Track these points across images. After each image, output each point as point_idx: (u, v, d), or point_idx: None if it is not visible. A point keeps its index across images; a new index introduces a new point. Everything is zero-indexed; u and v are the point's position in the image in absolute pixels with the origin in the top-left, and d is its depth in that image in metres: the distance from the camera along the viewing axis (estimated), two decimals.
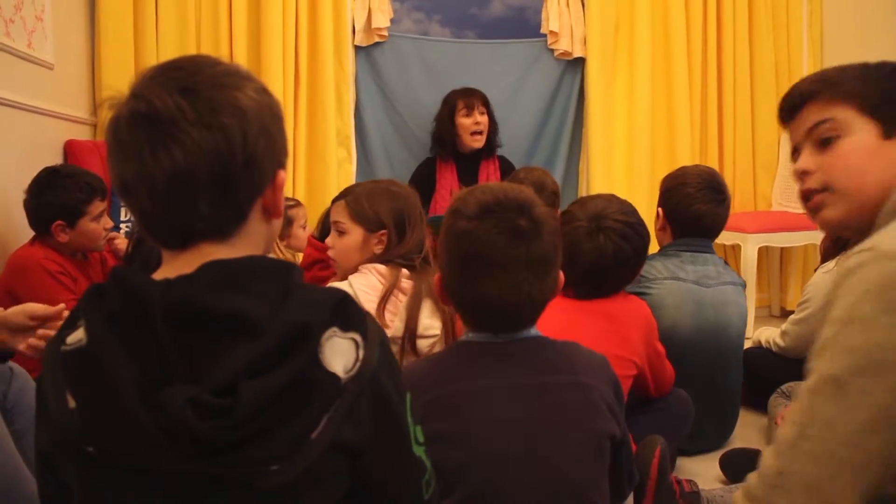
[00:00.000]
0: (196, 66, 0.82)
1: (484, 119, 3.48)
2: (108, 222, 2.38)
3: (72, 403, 0.74)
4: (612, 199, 1.92)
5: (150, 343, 0.74)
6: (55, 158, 2.76)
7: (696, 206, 2.17)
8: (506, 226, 1.14)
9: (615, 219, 1.82)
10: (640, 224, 1.88)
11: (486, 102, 3.51)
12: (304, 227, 2.93)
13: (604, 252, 1.78)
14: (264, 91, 0.85)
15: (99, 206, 2.29)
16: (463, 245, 1.16)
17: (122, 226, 2.91)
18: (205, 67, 0.82)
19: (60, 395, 0.75)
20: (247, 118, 0.80)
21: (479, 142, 3.48)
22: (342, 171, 3.58)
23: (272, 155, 0.84)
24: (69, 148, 2.86)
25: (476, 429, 1.12)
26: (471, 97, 3.48)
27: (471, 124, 3.46)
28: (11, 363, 1.51)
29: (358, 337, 0.80)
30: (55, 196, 2.21)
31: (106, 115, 0.82)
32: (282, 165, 0.87)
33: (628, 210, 1.89)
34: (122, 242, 2.54)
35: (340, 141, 3.62)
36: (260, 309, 0.76)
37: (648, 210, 2.30)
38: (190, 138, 0.77)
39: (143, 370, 0.72)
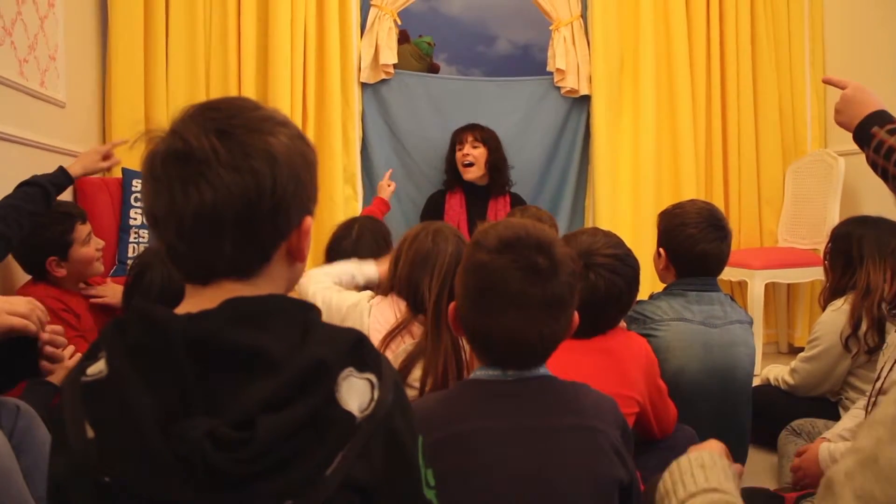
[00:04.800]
0: (235, 109, 0.84)
1: (474, 151, 3.54)
2: (98, 242, 2.36)
3: (90, 433, 0.75)
4: (596, 232, 1.88)
5: (171, 375, 0.75)
6: (65, 195, 2.77)
7: (699, 246, 2.13)
8: (524, 262, 1.14)
9: (604, 254, 1.79)
10: (629, 255, 1.85)
11: (482, 136, 3.56)
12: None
13: (596, 289, 1.73)
14: (299, 138, 0.88)
15: (83, 229, 2.29)
16: (479, 277, 1.17)
17: (130, 262, 2.92)
18: (243, 111, 0.84)
19: (79, 424, 0.76)
20: (278, 164, 0.82)
21: (470, 173, 3.54)
22: (349, 209, 3.60)
23: (300, 201, 0.86)
24: (79, 184, 2.87)
25: (481, 470, 1.11)
26: (464, 132, 3.58)
27: (460, 157, 3.55)
28: (18, 401, 1.51)
29: (374, 378, 0.81)
30: (38, 236, 2.19)
31: (144, 147, 0.84)
32: (309, 212, 0.89)
33: (614, 242, 1.85)
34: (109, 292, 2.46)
35: (347, 178, 3.65)
36: (278, 346, 0.78)
37: (654, 247, 2.29)
38: (220, 179, 0.79)
39: (163, 402, 0.74)
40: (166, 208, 0.81)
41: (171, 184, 0.80)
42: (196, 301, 0.83)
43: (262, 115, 0.85)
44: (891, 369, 1.88)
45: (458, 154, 3.57)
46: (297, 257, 0.89)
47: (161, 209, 0.82)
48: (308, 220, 0.88)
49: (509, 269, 1.14)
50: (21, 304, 1.40)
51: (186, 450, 0.71)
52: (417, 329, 1.74)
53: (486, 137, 3.57)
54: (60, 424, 0.80)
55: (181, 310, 0.81)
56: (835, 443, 1.91)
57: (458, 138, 3.59)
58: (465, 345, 1.79)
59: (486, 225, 1.24)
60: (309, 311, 0.85)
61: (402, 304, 1.80)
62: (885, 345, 2.01)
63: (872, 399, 1.93)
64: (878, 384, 1.91)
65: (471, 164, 3.54)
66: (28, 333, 1.39)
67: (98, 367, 0.78)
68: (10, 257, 2.26)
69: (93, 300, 2.39)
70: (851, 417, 2.06)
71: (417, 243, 1.81)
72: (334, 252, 2.38)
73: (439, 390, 1.66)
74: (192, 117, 0.83)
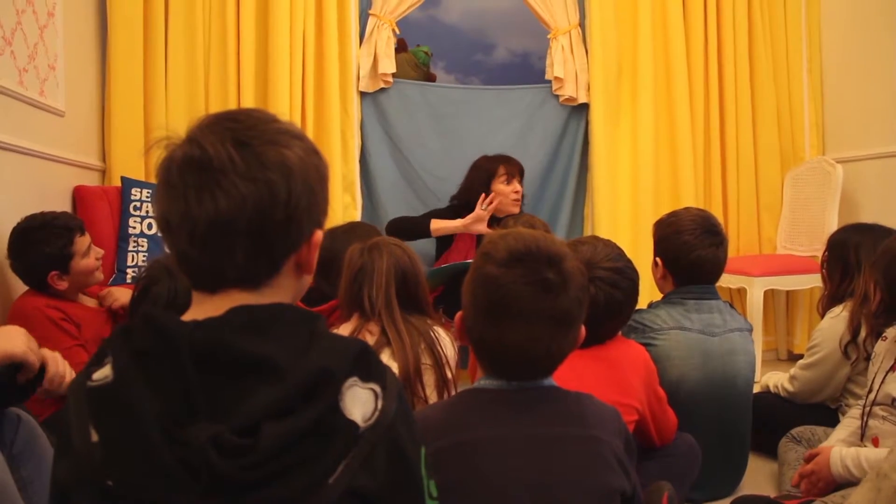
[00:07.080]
0: (253, 121, 0.85)
1: (521, 188, 3.43)
2: (98, 252, 2.36)
3: (94, 437, 0.76)
4: (596, 243, 1.87)
5: (176, 381, 0.76)
6: (64, 204, 2.79)
7: (695, 253, 2.13)
8: (534, 277, 1.13)
9: (603, 267, 1.79)
10: (628, 267, 1.85)
11: (522, 172, 3.46)
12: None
13: (595, 302, 1.71)
14: (314, 152, 0.89)
15: (82, 241, 2.28)
16: (489, 290, 1.16)
17: (129, 270, 2.92)
18: (260, 123, 0.86)
19: (84, 428, 0.77)
20: (293, 177, 0.83)
21: (517, 207, 3.41)
22: (347, 217, 3.59)
23: (312, 214, 0.88)
24: (78, 193, 2.89)
25: (483, 478, 1.11)
26: (512, 165, 3.42)
27: (511, 192, 3.38)
28: (19, 411, 1.51)
29: (377, 388, 0.82)
30: (38, 252, 2.18)
31: (158, 154, 0.85)
32: (320, 225, 0.90)
33: (614, 254, 1.85)
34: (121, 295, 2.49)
35: (346, 187, 3.65)
36: (283, 354, 0.79)
37: (652, 256, 2.29)
38: (235, 189, 0.80)
39: (167, 407, 0.75)
40: (180, 215, 0.82)
41: (187, 190, 0.81)
42: (203, 309, 0.84)
43: (278, 128, 0.86)
44: (882, 381, 1.88)
45: (507, 189, 3.37)
46: (305, 269, 0.91)
47: (175, 215, 0.83)
48: (318, 233, 0.90)
49: (519, 284, 1.13)
50: (20, 338, 1.40)
51: (190, 455, 0.72)
52: (375, 327, 1.82)
53: (522, 172, 3.46)
54: (65, 429, 0.81)
55: (188, 317, 0.82)
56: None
57: (506, 170, 3.39)
58: (450, 344, 1.82)
59: (495, 235, 1.23)
60: (314, 320, 0.85)
61: (355, 315, 1.88)
62: (873, 355, 2.00)
63: (867, 409, 1.93)
64: (872, 396, 1.91)
65: (519, 201, 3.42)
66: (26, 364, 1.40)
67: (104, 373, 0.79)
68: (7, 268, 2.26)
69: (110, 305, 2.42)
70: (844, 427, 2.05)
71: (352, 262, 1.90)
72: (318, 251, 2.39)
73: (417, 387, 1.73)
74: (209, 126, 0.84)
